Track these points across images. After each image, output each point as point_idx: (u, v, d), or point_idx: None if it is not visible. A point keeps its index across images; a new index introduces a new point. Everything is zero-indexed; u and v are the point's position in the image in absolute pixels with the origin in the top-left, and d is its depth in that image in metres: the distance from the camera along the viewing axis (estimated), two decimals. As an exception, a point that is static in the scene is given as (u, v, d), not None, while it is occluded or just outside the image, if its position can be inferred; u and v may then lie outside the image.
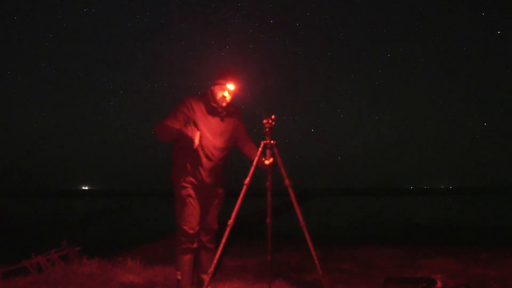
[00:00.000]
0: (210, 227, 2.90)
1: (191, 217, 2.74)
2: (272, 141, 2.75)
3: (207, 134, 2.72)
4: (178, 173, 2.78)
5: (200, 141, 2.60)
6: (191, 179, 2.74)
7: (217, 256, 2.64)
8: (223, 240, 2.62)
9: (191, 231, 2.73)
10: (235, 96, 2.82)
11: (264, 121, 2.74)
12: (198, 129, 2.60)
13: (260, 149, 2.75)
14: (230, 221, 2.64)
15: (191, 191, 2.75)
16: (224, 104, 2.77)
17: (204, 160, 2.73)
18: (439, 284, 2.98)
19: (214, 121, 2.76)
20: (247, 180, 2.72)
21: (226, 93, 2.75)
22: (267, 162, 2.74)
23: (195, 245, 2.80)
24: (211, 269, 2.64)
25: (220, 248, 2.62)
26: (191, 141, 2.51)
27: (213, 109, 2.77)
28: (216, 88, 2.76)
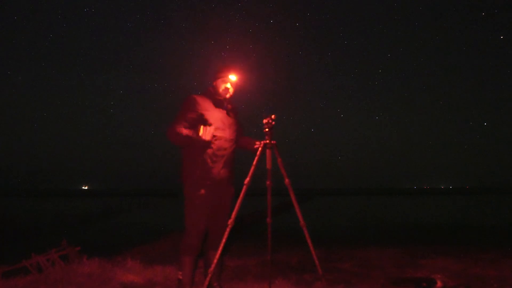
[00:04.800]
0: (220, 227, 2.78)
1: (200, 220, 2.70)
2: (272, 141, 2.75)
3: (218, 126, 2.74)
4: (189, 172, 2.73)
5: (213, 134, 2.69)
6: (204, 176, 2.69)
7: (217, 256, 2.63)
8: (223, 240, 2.62)
9: (198, 234, 2.70)
10: (236, 88, 2.88)
11: (264, 121, 2.74)
12: (208, 124, 2.68)
13: (260, 149, 2.75)
14: (230, 221, 2.64)
15: (203, 192, 2.69)
16: (227, 95, 2.84)
17: (218, 152, 2.72)
18: (439, 284, 2.98)
19: (222, 114, 2.80)
20: (247, 180, 2.72)
21: (228, 85, 2.83)
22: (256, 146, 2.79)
23: (199, 247, 2.77)
24: (211, 269, 2.64)
25: (220, 248, 2.62)
26: (207, 143, 2.65)
27: (220, 102, 2.82)
28: (219, 82, 2.84)
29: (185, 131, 2.66)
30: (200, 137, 2.64)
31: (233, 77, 2.83)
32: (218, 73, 2.85)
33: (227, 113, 2.84)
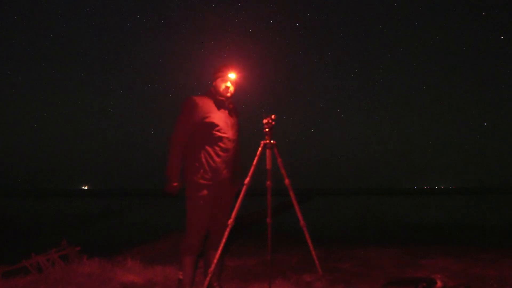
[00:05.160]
0: (221, 227, 2.74)
1: (201, 220, 2.69)
2: (272, 141, 2.75)
3: (221, 126, 2.73)
4: (192, 172, 2.70)
5: (217, 133, 2.69)
6: (207, 177, 2.68)
7: (217, 256, 2.64)
8: (223, 240, 2.62)
9: (199, 233, 2.69)
10: (237, 87, 2.86)
11: (264, 121, 2.74)
12: (214, 126, 2.69)
13: (260, 149, 2.75)
14: (230, 221, 2.64)
15: (205, 191, 2.67)
16: (228, 94, 2.82)
17: (221, 152, 2.71)
18: (439, 284, 2.98)
19: (223, 114, 2.78)
20: (247, 180, 2.72)
21: (228, 84, 2.81)
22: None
23: (200, 247, 2.77)
24: (211, 269, 2.64)
25: (220, 248, 2.62)
26: (167, 189, 2.66)
27: (221, 102, 2.80)
28: (218, 81, 2.82)
29: (175, 161, 2.68)
30: (172, 182, 2.64)
31: (232, 75, 2.81)
32: (217, 72, 2.83)
33: (229, 113, 2.82)
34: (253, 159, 2.75)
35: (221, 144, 2.71)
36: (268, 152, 2.74)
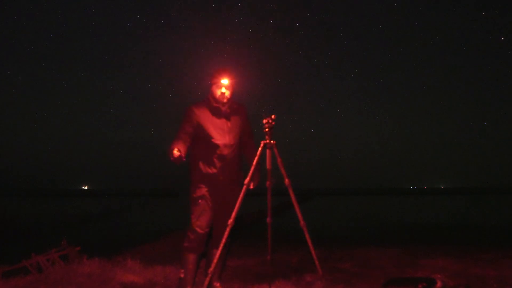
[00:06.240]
0: (223, 225, 2.75)
1: (201, 218, 2.74)
2: (272, 141, 2.76)
3: (215, 134, 2.76)
4: (192, 174, 2.82)
5: (211, 141, 2.73)
6: (205, 178, 2.76)
7: (217, 256, 2.64)
8: (223, 240, 2.63)
9: (200, 231, 2.73)
10: (234, 90, 2.85)
11: (264, 121, 2.75)
12: (206, 133, 2.73)
13: (260, 149, 2.76)
14: (230, 221, 2.65)
15: (204, 191, 2.76)
16: (225, 100, 2.81)
17: (216, 159, 2.75)
18: (439, 284, 2.98)
19: (219, 121, 2.80)
20: (247, 180, 2.73)
21: (223, 89, 2.79)
22: (251, 187, 2.82)
23: (202, 246, 2.79)
24: (211, 269, 2.64)
25: (220, 248, 2.63)
26: (172, 157, 2.56)
27: (216, 109, 2.81)
28: (213, 88, 2.82)
29: (171, 146, 2.62)
30: (171, 151, 2.55)
31: (225, 81, 2.78)
32: (212, 79, 2.83)
33: (226, 119, 2.82)
34: (250, 162, 2.77)
35: (217, 151, 2.75)
36: (268, 152, 2.74)
